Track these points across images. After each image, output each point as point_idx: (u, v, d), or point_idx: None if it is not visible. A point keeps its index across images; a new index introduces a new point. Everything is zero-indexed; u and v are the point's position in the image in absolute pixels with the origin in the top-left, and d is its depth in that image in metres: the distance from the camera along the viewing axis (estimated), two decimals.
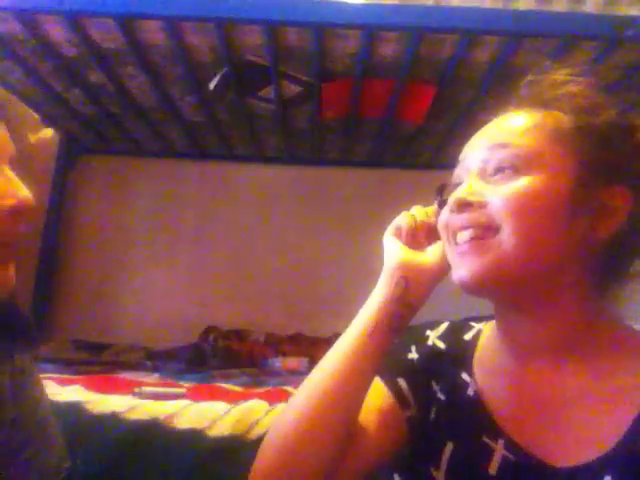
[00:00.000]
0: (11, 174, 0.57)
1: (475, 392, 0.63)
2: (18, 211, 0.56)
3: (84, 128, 2.06)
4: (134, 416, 1.03)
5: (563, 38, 1.29)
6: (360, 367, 0.61)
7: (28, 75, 1.60)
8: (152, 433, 1.01)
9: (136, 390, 1.14)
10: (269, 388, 1.31)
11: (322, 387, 0.61)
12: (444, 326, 0.73)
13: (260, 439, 1.05)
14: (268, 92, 1.64)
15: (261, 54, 1.43)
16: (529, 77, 0.64)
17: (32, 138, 1.95)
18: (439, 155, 2.14)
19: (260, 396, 1.15)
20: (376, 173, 2.33)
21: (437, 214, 0.66)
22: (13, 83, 1.66)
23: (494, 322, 0.68)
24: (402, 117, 1.79)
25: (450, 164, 0.65)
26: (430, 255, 0.66)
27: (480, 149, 0.61)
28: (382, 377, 0.68)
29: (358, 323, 0.63)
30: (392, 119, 1.80)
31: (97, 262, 2.27)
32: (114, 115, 1.91)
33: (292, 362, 1.78)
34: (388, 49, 1.38)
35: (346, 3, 1.28)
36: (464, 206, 0.58)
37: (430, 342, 0.71)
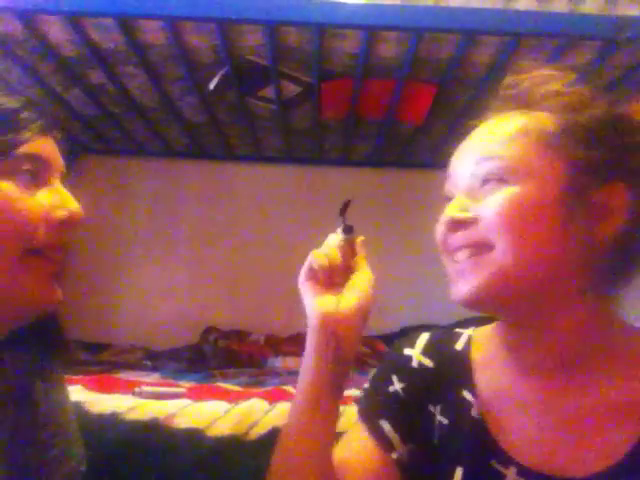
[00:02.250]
0: (62, 188, 0.59)
1: (479, 414, 0.60)
2: (68, 223, 0.57)
3: (84, 128, 2.06)
4: (134, 416, 1.03)
5: (563, 38, 1.29)
6: (317, 429, 0.60)
7: (28, 75, 1.59)
8: (152, 433, 1.01)
9: (136, 390, 1.14)
10: (269, 388, 1.30)
11: (290, 452, 0.61)
12: (424, 339, 0.69)
13: (260, 439, 1.05)
14: (268, 92, 1.64)
15: (261, 54, 1.43)
16: (508, 79, 0.61)
17: None
18: (439, 155, 2.12)
19: (260, 396, 1.15)
20: (376, 173, 2.33)
21: (341, 247, 0.64)
22: (13, 83, 1.65)
23: (489, 329, 0.65)
24: (402, 117, 1.79)
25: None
26: (350, 294, 0.62)
27: (466, 163, 0.59)
28: (364, 421, 0.66)
29: (302, 390, 0.61)
30: (392, 119, 1.80)
31: (97, 262, 2.26)
32: (114, 115, 1.91)
33: (292, 362, 1.78)
34: (388, 49, 1.38)
35: (346, 3, 1.28)
36: (456, 225, 0.57)
37: (414, 363, 0.66)
